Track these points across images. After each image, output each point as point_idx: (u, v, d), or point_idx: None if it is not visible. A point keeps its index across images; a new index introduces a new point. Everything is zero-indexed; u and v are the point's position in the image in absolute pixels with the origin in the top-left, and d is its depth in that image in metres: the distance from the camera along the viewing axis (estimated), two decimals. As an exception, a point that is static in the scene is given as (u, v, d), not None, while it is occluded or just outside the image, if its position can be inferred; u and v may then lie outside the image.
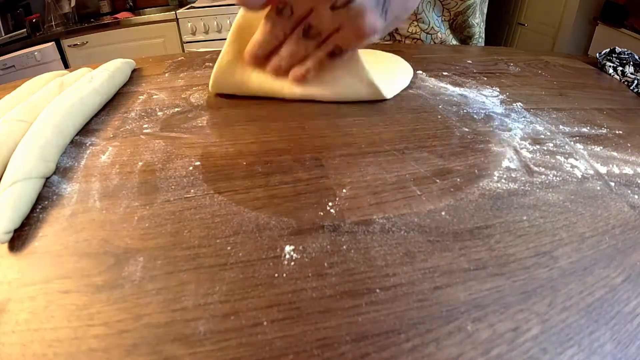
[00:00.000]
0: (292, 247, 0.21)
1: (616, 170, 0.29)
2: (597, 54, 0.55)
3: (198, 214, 0.23)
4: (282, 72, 0.34)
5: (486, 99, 0.40)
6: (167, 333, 0.17)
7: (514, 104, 0.39)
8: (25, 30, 1.89)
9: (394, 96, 0.40)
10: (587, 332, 0.17)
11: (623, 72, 0.50)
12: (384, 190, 0.26)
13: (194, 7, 2.09)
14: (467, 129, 0.34)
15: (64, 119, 0.29)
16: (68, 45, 1.93)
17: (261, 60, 0.34)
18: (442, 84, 0.44)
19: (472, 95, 0.41)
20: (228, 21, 2.03)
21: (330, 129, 0.33)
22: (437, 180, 0.27)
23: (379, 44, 0.65)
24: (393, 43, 0.69)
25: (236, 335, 0.17)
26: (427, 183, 0.27)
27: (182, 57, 0.50)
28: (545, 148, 0.32)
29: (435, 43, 0.66)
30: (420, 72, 0.47)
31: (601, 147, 0.32)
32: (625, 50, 0.55)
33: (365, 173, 0.27)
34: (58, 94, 0.33)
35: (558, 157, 0.31)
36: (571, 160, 0.30)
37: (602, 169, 0.29)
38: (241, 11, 0.34)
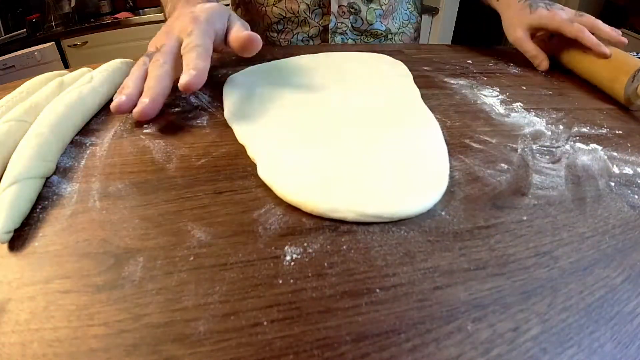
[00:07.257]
0: (292, 247, 0.21)
1: (616, 170, 0.29)
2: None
3: (198, 214, 0.23)
4: None
5: (486, 99, 0.40)
6: (167, 333, 0.17)
7: (514, 104, 0.39)
8: (25, 30, 1.89)
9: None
10: (587, 332, 0.17)
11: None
12: (384, 190, 0.26)
13: (194, 7, 2.09)
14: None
15: (64, 119, 0.29)
16: (68, 45, 1.92)
17: None
18: (442, 84, 0.44)
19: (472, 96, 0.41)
20: (228, 21, 2.03)
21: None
22: (437, 180, 0.27)
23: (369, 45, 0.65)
24: (385, 43, 0.67)
25: (236, 335, 0.17)
26: (427, 183, 0.26)
27: (182, 57, 0.50)
28: (545, 148, 0.32)
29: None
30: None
31: (601, 147, 0.32)
32: (625, 50, 0.54)
33: (365, 173, 0.27)
34: (58, 94, 0.33)
35: (558, 156, 0.30)
36: (571, 160, 0.30)
37: (603, 169, 0.29)
38: None
